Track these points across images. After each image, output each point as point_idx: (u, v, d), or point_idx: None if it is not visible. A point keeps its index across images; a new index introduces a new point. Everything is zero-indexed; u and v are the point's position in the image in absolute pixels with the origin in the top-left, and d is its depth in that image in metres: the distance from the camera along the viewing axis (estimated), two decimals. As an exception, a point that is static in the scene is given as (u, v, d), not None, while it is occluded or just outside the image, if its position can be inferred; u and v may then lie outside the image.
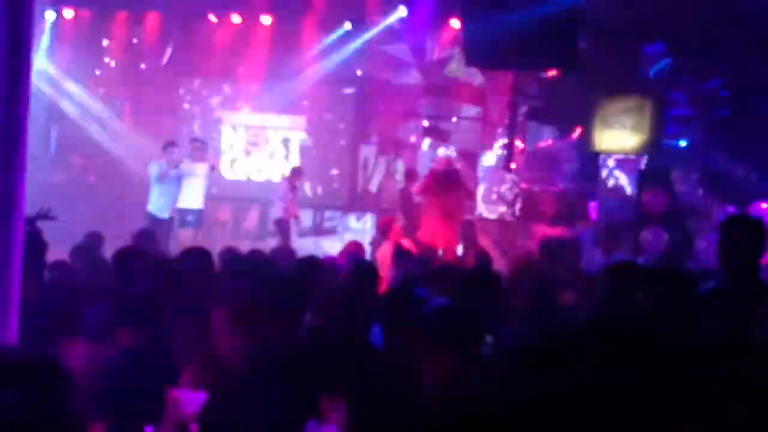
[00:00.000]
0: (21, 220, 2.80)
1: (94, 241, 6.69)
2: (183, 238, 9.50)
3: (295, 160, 12.70)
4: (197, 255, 4.93)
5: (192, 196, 9.84)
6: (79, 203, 11.98)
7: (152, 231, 8.44)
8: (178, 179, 9.77)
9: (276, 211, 10.86)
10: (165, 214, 9.76)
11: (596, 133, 10.18)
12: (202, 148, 10.02)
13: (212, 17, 11.83)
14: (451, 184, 9.19)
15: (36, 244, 4.49)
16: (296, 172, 11.03)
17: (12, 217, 2.73)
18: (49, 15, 11.51)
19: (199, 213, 9.99)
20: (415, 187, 9.76)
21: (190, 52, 12.44)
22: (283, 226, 10.62)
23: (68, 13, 11.63)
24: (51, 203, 5.70)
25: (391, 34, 11.25)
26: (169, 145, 9.93)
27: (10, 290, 2.76)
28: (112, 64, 12.88)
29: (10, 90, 2.73)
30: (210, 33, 12.14)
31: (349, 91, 12.49)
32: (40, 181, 9.55)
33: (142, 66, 12.91)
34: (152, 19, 12.26)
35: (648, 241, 9.47)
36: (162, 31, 12.36)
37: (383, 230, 8.43)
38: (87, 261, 5.99)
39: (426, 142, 12.30)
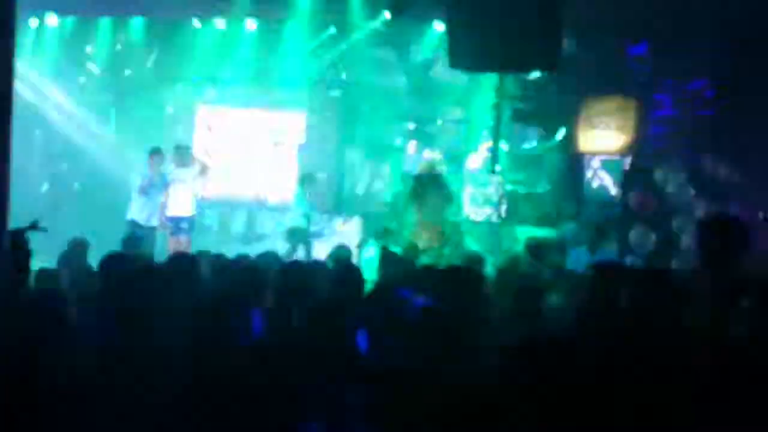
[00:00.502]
0: (4, 229, 2.78)
1: (79, 248, 6.69)
2: (176, 245, 9.49)
3: (284, 164, 12.69)
4: (184, 260, 4.95)
5: (181, 203, 9.81)
6: (65, 211, 11.96)
7: (139, 238, 8.45)
8: (164, 187, 9.74)
9: (293, 220, 10.61)
10: (151, 222, 9.72)
11: (580, 133, 10.24)
12: (186, 154, 9.96)
13: (196, 21, 11.80)
14: (434, 187, 9.20)
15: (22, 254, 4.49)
16: (308, 180, 10.73)
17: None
18: (33, 22, 11.44)
19: (191, 219, 9.97)
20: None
21: (174, 57, 12.40)
22: (303, 237, 10.48)
23: (51, 19, 11.56)
24: (37, 212, 5.70)
25: (377, 36, 11.25)
26: (154, 153, 9.89)
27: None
28: (96, 70, 12.82)
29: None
30: (193, 37, 12.11)
31: (334, 94, 12.48)
32: (25, 189, 9.49)
33: (127, 72, 12.86)
34: (135, 24, 12.22)
35: (635, 242, 9.56)
36: (145, 36, 12.32)
37: (377, 233, 8.50)
38: (73, 268, 6.00)
39: (412, 145, 12.31)
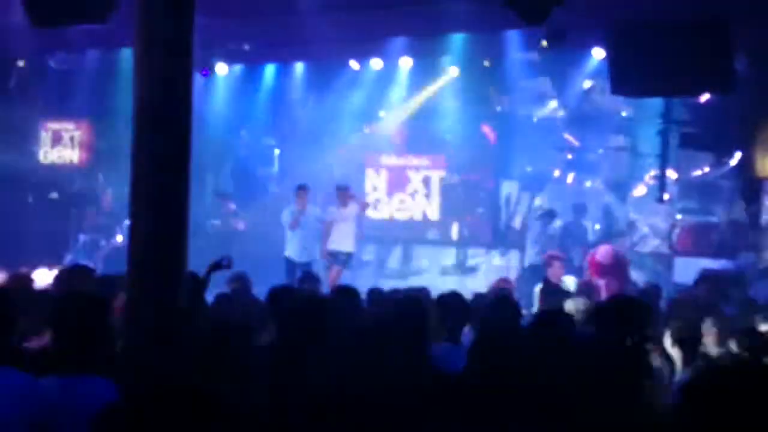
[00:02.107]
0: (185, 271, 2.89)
1: (242, 283, 6.87)
2: (332, 278, 9.78)
3: (436, 199, 12.74)
4: (346, 293, 5.03)
5: (342, 239, 10.20)
6: (234, 248, 12.56)
7: (313, 276, 8.80)
8: (315, 223, 10.15)
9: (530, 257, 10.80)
10: (304, 258, 10.07)
11: (758, 158, 9.53)
12: (346, 193, 10.34)
13: (354, 63, 12.14)
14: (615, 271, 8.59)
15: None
16: (549, 216, 10.88)
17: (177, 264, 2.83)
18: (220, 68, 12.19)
19: (348, 255, 10.37)
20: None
21: (333, 98, 12.82)
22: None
23: (221, 68, 12.29)
24: (208, 247, 5.97)
25: (532, 67, 11.08)
26: (299, 189, 10.30)
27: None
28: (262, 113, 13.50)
29: (174, 144, 2.88)
30: (352, 78, 12.47)
31: (487, 130, 12.37)
32: (194, 227, 10.03)
33: (289, 114, 13.44)
34: (298, 69, 12.77)
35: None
36: (306, 79, 12.84)
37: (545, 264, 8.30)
38: (240, 301, 6.22)
39: (571, 176, 11.97)
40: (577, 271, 9.66)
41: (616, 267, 8.12)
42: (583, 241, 10.80)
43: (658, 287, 7.65)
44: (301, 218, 10.27)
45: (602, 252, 8.53)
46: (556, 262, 8.17)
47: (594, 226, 11.57)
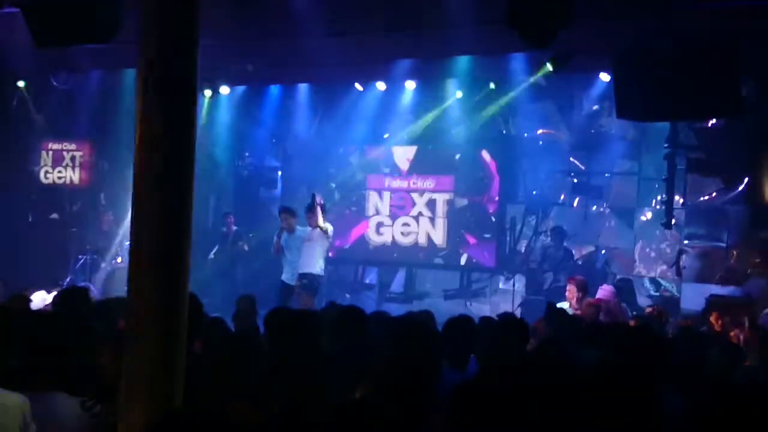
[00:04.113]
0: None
1: (248, 305, 6.83)
2: (302, 302, 9.51)
3: (442, 223, 12.57)
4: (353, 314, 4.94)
5: (308, 261, 9.85)
6: (238, 270, 12.49)
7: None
8: (300, 245, 9.88)
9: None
10: (292, 282, 9.92)
11: (766, 182, 9.44)
12: (315, 212, 9.86)
13: (358, 86, 12.12)
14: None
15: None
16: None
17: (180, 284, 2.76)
18: (207, 92, 12.18)
19: (311, 278, 9.82)
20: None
21: (338, 121, 12.78)
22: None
23: (224, 89, 12.26)
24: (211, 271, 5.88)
25: (538, 91, 11.04)
26: (281, 211, 10.18)
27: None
28: (265, 135, 13.45)
29: (177, 167, 2.81)
30: (356, 101, 12.44)
31: (487, 157, 12.23)
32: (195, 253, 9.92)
33: (292, 136, 13.40)
34: (302, 91, 12.74)
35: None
36: (310, 101, 12.82)
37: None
38: (246, 324, 6.15)
39: (576, 200, 11.88)
40: (550, 295, 9.56)
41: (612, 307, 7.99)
42: (563, 265, 10.66)
43: (663, 311, 7.56)
44: (290, 241, 10.02)
45: (604, 291, 8.43)
46: (570, 285, 8.06)
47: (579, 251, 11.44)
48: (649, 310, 7.71)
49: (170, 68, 2.84)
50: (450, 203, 12.59)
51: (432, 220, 12.74)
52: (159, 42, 2.89)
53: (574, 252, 11.14)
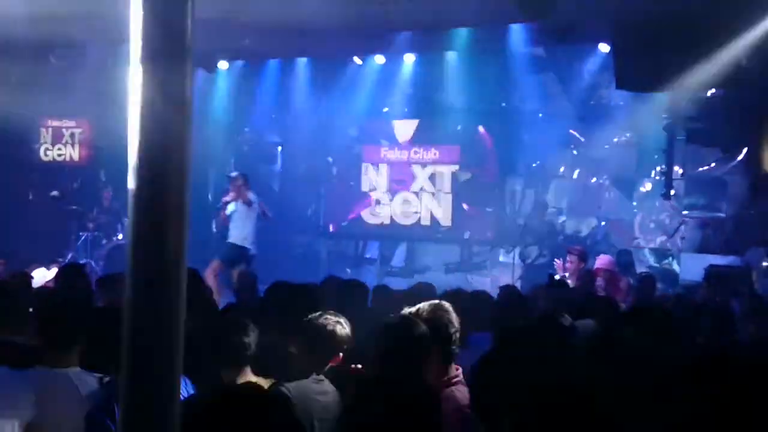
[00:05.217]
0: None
1: (248, 279, 6.93)
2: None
3: (447, 199, 12.36)
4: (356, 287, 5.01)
5: (235, 233, 9.90)
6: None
7: None
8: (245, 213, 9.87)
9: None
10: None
11: (764, 153, 9.43)
12: (237, 184, 9.91)
13: (357, 59, 12.06)
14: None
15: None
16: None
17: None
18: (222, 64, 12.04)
19: (238, 250, 9.81)
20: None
21: (336, 94, 12.72)
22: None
23: (223, 64, 12.21)
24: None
25: (538, 62, 10.98)
26: (230, 179, 10.10)
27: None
28: (265, 110, 13.40)
29: (173, 142, 2.81)
30: (356, 74, 12.37)
31: (481, 129, 12.15)
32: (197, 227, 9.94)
33: (293, 111, 13.36)
34: (300, 65, 12.68)
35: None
36: (309, 75, 12.75)
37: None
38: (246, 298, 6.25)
39: (576, 172, 11.87)
40: (533, 272, 9.62)
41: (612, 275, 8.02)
42: (545, 238, 10.67)
43: (651, 277, 7.63)
44: (237, 210, 9.89)
45: (602, 260, 8.46)
46: (570, 256, 8.10)
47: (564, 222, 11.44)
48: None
49: (163, 41, 2.83)
50: (455, 176, 12.22)
51: (435, 195, 12.35)
52: (152, 14, 2.88)
53: (573, 225, 11.16)
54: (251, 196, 9.95)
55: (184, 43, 3.01)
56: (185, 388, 3.11)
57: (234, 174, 10.26)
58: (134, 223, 2.88)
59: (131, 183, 2.80)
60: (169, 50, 3.02)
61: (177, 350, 2.75)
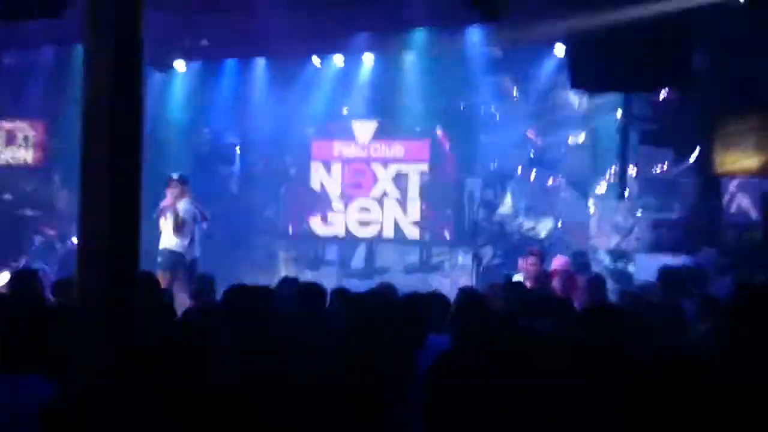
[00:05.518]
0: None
1: (207, 283, 6.89)
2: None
3: (415, 206, 11.71)
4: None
5: (166, 238, 9.49)
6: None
7: None
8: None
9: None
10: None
11: (716, 154, 9.64)
12: (173, 189, 9.54)
13: (315, 60, 12.03)
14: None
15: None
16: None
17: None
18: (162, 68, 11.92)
19: (165, 253, 9.35)
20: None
21: (295, 95, 12.65)
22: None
23: (179, 65, 12.08)
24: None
25: (494, 63, 11.09)
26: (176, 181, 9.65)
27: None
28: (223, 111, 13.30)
29: (126, 144, 2.79)
30: (314, 75, 12.34)
31: (439, 131, 12.16)
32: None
33: (249, 111, 13.26)
34: (259, 65, 12.60)
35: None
36: (268, 76, 12.67)
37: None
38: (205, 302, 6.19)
39: (533, 173, 11.98)
40: (488, 274, 9.70)
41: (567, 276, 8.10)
42: (499, 239, 10.76)
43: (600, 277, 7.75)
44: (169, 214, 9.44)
45: (558, 260, 8.54)
46: (530, 258, 8.12)
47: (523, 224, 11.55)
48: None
49: (115, 41, 2.81)
50: (423, 177, 11.37)
51: (401, 202, 11.74)
52: (104, 15, 2.85)
53: (532, 225, 11.26)
54: (184, 204, 9.53)
55: (135, 40, 2.98)
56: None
57: (175, 176, 9.75)
58: (85, 225, 2.86)
59: (82, 184, 2.77)
60: (120, 46, 2.99)
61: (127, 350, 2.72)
